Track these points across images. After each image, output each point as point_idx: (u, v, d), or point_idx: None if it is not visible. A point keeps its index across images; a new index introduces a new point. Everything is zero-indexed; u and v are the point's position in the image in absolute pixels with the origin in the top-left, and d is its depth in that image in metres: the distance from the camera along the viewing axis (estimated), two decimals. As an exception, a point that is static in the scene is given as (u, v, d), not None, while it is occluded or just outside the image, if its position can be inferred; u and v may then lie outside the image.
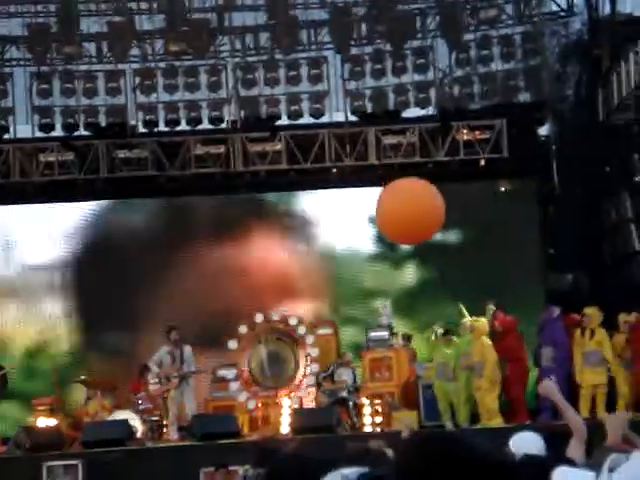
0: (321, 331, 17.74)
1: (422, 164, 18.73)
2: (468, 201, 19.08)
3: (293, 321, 17.16)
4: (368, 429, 16.01)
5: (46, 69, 18.73)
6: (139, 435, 15.91)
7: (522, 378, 16.22)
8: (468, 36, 18.84)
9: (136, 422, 15.98)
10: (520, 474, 2.07)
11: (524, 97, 18.79)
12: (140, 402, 16.31)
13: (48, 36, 18.59)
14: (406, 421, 14.88)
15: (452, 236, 18.88)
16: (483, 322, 16.12)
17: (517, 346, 16.29)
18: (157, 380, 16.26)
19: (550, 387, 6.09)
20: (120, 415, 16.20)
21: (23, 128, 18.67)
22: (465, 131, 18.77)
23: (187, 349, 16.41)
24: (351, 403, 16.38)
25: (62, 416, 16.72)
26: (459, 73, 18.93)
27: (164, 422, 16.10)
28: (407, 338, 17.83)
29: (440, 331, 16.55)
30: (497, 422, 15.55)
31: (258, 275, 19.04)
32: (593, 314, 15.72)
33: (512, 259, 18.85)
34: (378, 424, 16.22)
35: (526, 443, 5.88)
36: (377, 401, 16.47)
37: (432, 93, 18.88)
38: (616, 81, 17.19)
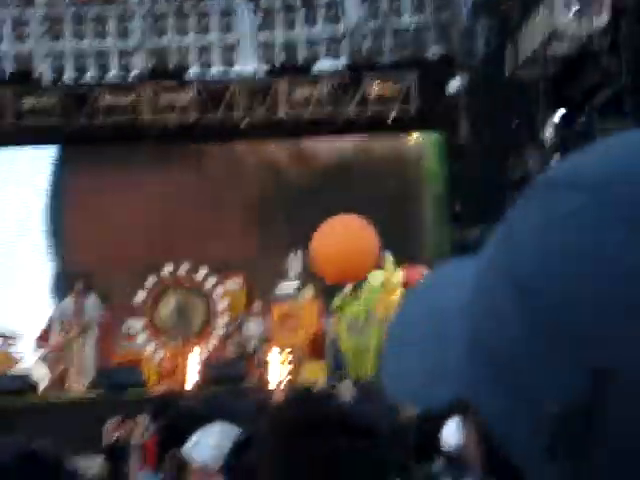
0: (231, 282, 17.69)
1: (332, 117, 18.67)
2: (377, 155, 19.12)
3: (202, 272, 17.08)
4: (275, 382, 16.03)
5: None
6: (43, 387, 15.74)
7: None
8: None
9: (40, 373, 15.79)
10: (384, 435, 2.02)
11: (434, 51, 18.79)
12: (43, 352, 16.12)
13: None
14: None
15: (362, 189, 18.88)
16: (395, 272, 16.14)
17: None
18: (60, 330, 16.08)
19: None
20: (24, 366, 16.01)
21: None
22: (375, 85, 18.73)
23: (91, 299, 16.24)
24: (259, 355, 16.38)
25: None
26: (370, 26, 18.86)
27: (68, 373, 15.94)
28: (316, 290, 17.84)
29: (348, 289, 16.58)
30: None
31: (166, 226, 18.87)
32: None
33: (419, 213, 18.95)
34: (286, 376, 16.24)
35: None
36: (284, 353, 16.49)
37: (343, 46, 18.79)
38: (524, 37, 17.27)
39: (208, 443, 3.65)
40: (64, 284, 17.42)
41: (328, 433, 1.92)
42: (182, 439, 4.81)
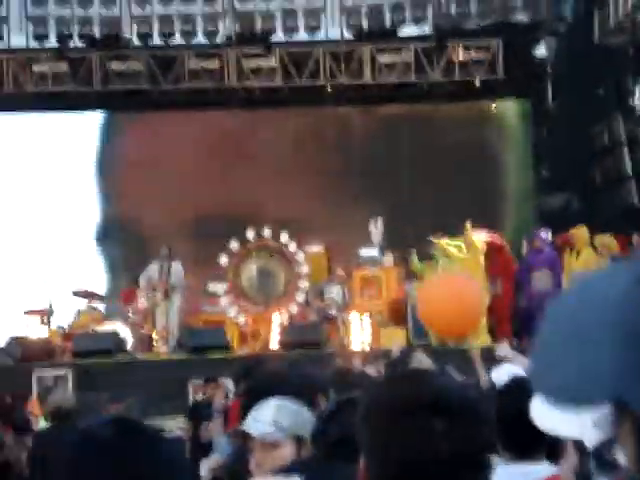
0: (312, 248, 17.70)
1: (417, 84, 18.53)
2: (463, 121, 18.95)
3: (284, 237, 17.12)
4: (356, 346, 16.04)
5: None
6: (128, 347, 15.96)
7: (513, 296, 16.22)
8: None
9: (126, 334, 16.02)
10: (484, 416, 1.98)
11: (521, 16, 18.52)
12: (130, 314, 16.34)
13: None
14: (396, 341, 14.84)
15: (447, 156, 18.75)
16: (478, 243, 16.06)
17: (509, 264, 16.26)
18: (146, 293, 16.27)
19: (505, 350, 6.19)
20: (110, 326, 16.23)
21: (17, 38, 18.40)
22: (461, 51, 18.53)
23: (176, 263, 16.40)
24: (340, 320, 16.40)
25: (53, 327, 16.73)
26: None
27: (153, 334, 16.13)
28: (398, 256, 17.80)
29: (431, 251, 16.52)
30: (484, 340, 15.56)
31: (248, 190, 18.95)
32: (580, 234, 15.51)
33: (504, 180, 18.78)
34: (366, 341, 16.25)
35: (508, 373, 5.86)
36: (365, 318, 16.48)
37: (429, 11, 18.60)
38: (612, 2, 16.93)
39: (266, 418, 3.65)
40: (148, 248, 17.59)
41: (425, 413, 1.89)
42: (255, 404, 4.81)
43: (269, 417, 3.60)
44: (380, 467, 1.91)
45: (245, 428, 3.67)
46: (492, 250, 16.23)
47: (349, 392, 4.02)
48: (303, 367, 6.01)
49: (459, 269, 15.79)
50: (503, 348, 6.43)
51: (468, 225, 16.24)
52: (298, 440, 3.60)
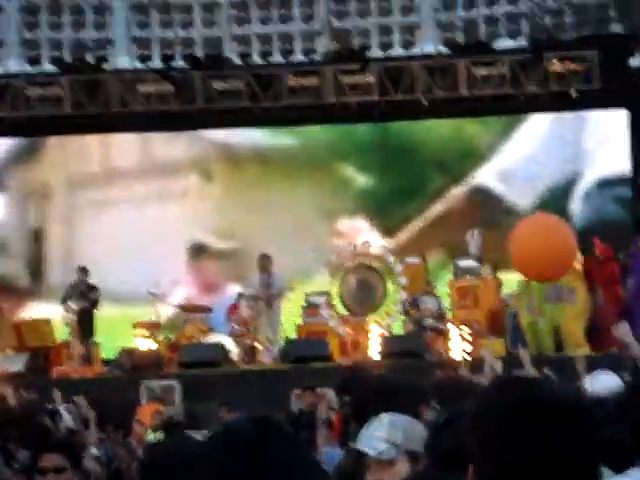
0: (410, 260, 17.63)
1: (513, 96, 18.37)
2: (559, 132, 18.72)
3: (382, 250, 17.08)
4: (455, 356, 15.91)
5: (144, 0, 18.71)
6: (233, 357, 16.06)
7: (618, 306, 15.96)
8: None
9: (230, 345, 16.12)
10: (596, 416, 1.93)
11: (616, 28, 18.23)
12: (234, 325, 16.44)
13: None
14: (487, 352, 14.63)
15: (544, 168, 18.54)
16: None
17: (616, 274, 16.05)
18: (248, 304, 16.36)
19: (624, 330, 6.00)
20: (215, 338, 16.36)
21: (122, 59, 18.70)
22: (556, 62, 18.30)
23: (277, 274, 16.48)
24: (438, 330, 16.29)
25: (161, 338, 16.92)
26: (551, 4, 18.42)
27: (256, 345, 16.20)
28: (495, 268, 17.62)
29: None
30: (584, 350, 15.32)
31: (350, 203, 18.96)
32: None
33: (601, 188, 18.50)
34: (465, 351, 16.11)
35: (603, 383, 5.73)
36: (464, 328, 16.34)
37: (523, 24, 18.42)
38: None
39: (379, 434, 3.59)
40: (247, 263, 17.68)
41: (542, 418, 1.85)
42: (366, 416, 4.76)
43: (383, 435, 3.55)
44: (491, 472, 1.87)
45: (359, 447, 3.61)
46: (601, 260, 16.04)
47: (454, 402, 3.97)
48: (405, 377, 5.95)
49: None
50: (623, 328, 6.23)
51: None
52: (412, 455, 3.55)
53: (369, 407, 4.40)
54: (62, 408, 10.42)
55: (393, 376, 4.98)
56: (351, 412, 4.85)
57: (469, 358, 15.42)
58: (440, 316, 16.52)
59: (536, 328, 15.74)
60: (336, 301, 17.06)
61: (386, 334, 16.51)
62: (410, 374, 7.23)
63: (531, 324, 15.79)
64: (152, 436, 10.55)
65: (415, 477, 3.44)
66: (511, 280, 17.62)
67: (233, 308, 16.95)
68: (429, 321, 16.40)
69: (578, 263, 15.84)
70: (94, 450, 8.77)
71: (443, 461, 3.25)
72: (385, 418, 3.62)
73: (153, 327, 16.68)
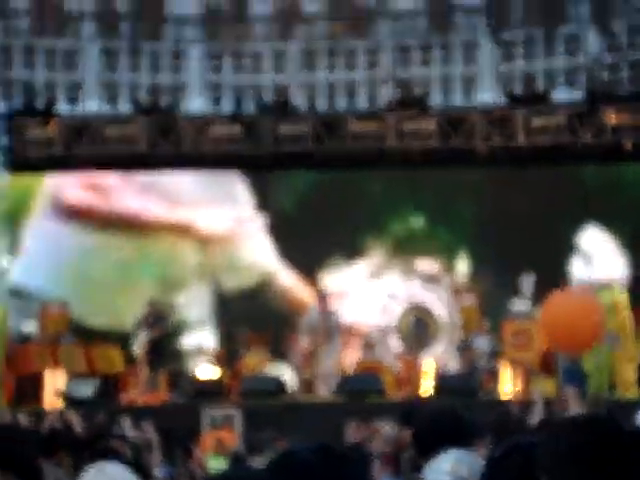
0: (464, 300, 17.58)
1: (569, 145, 18.31)
2: (615, 183, 18.60)
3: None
4: (507, 396, 15.79)
5: (218, 48, 18.99)
6: (292, 389, 16.09)
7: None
8: (619, 22, 18.25)
9: (289, 376, 16.16)
10: None
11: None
12: (294, 357, 16.48)
13: (220, 16, 18.83)
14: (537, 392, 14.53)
15: (599, 218, 18.43)
16: (621, 295, 15.76)
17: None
18: (307, 337, 16.40)
19: None
20: (276, 369, 16.41)
21: (195, 102, 18.96)
22: (613, 115, 18.22)
23: (336, 309, 16.52)
24: (491, 370, 16.20)
25: (224, 367, 17.01)
26: (609, 59, 18.37)
27: (314, 378, 16.22)
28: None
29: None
30: (633, 393, 15.15)
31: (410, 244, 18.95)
32: None
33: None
34: (517, 391, 15.99)
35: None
36: (517, 369, 16.23)
37: (581, 77, 18.38)
38: None
39: (444, 469, 3.59)
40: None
41: (624, 456, 1.86)
42: (425, 448, 4.77)
43: (448, 469, 3.56)
44: None
45: (425, 478, 3.63)
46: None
47: (507, 438, 3.97)
48: (462, 413, 5.95)
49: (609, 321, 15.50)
50: None
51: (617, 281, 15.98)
52: None
53: (431, 441, 4.40)
54: (129, 432, 10.53)
55: (454, 410, 4.97)
56: (414, 443, 4.85)
57: (519, 398, 15.30)
58: (493, 355, 16.43)
59: (597, 368, 15.59)
60: (393, 338, 17.04)
61: (440, 371, 16.45)
62: (463, 411, 7.20)
63: (593, 364, 15.64)
64: (213, 462, 10.61)
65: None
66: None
67: (291, 340, 17.01)
68: (482, 361, 16.32)
69: (625, 308, 15.77)
70: (158, 472, 8.86)
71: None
72: (451, 453, 3.63)
73: (215, 355, 16.78)
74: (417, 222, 19.21)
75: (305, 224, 18.93)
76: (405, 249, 19.08)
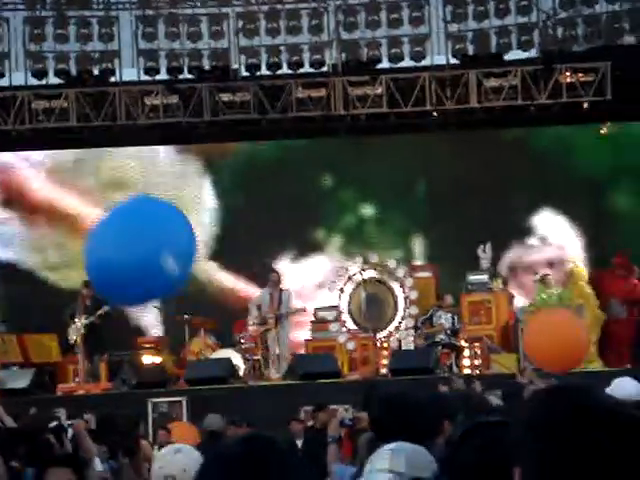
0: (420, 274, 17.55)
1: (524, 107, 18.29)
2: (571, 144, 18.63)
3: (392, 264, 17.00)
4: (467, 372, 15.80)
5: (151, 12, 18.69)
6: (241, 374, 15.97)
7: (634, 324, 15.96)
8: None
9: (238, 361, 16.03)
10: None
11: (629, 39, 18.15)
12: (242, 341, 16.36)
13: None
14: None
15: (554, 180, 18.45)
16: (581, 267, 15.93)
17: (636, 287, 16.09)
18: (256, 321, 16.29)
19: None
20: (223, 354, 16.28)
21: (129, 71, 18.67)
22: (568, 74, 18.23)
23: (286, 291, 16.42)
24: (450, 346, 16.20)
25: (167, 354, 16.85)
26: (562, 15, 18.35)
27: (264, 361, 16.12)
28: (506, 282, 17.57)
29: (537, 276, 16.42)
30: (595, 365, 15.26)
31: (357, 217, 18.86)
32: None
33: (617, 202, 18.43)
34: (477, 367, 16.00)
35: (624, 389, 5.65)
36: (476, 344, 16.24)
37: (535, 35, 18.35)
38: None
39: (380, 467, 3.49)
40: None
41: (593, 430, 1.79)
42: (384, 431, 4.65)
43: (385, 465, 3.46)
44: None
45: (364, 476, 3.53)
46: (621, 273, 16.07)
47: (476, 416, 3.87)
48: (426, 394, 5.86)
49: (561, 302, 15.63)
50: None
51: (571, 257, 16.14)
52: None
53: (393, 421, 4.33)
54: (67, 424, 10.33)
55: (414, 391, 4.87)
56: (373, 427, 4.76)
57: (478, 374, 15.31)
58: (453, 332, 16.43)
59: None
60: (345, 316, 16.97)
61: (396, 350, 16.42)
62: (421, 390, 7.14)
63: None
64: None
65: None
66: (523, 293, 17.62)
67: (240, 324, 16.88)
68: (441, 337, 16.31)
69: (582, 279, 15.90)
70: (99, 465, 8.68)
71: (463, 475, 3.15)
72: (386, 448, 3.54)
73: (158, 342, 16.62)
74: (368, 210, 19.07)
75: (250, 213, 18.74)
76: (358, 239, 18.90)
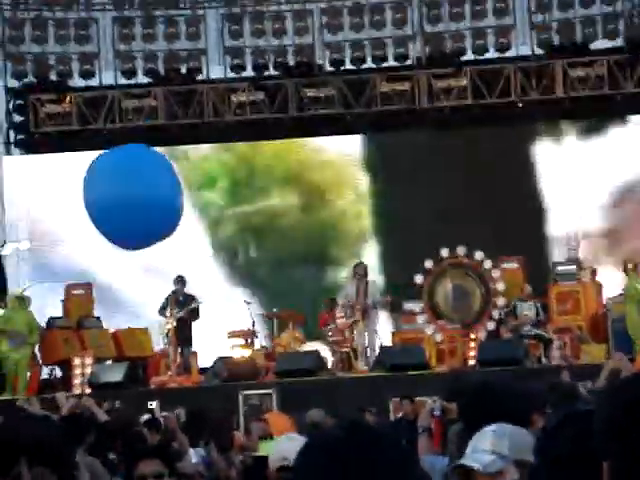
0: (507, 265, 17.40)
1: (611, 96, 18.03)
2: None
3: (479, 255, 16.89)
4: (556, 363, 15.64)
5: (237, 10, 18.84)
6: (329, 366, 16.02)
7: None
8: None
9: (326, 353, 16.09)
10: None
11: None
12: (330, 334, 16.40)
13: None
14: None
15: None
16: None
17: None
18: (344, 313, 16.31)
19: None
20: (311, 347, 16.34)
21: (216, 69, 18.85)
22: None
23: (372, 282, 16.42)
24: (537, 337, 16.04)
25: (256, 348, 16.94)
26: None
27: (353, 353, 16.14)
28: (594, 272, 17.33)
29: (630, 265, 16.13)
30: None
31: (442, 209, 18.78)
32: None
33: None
34: (567, 358, 15.82)
35: None
36: (565, 335, 16.06)
37: (620, 24, 18.08)
38: None
39: (483, 447, 3.47)
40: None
41: None
42: (474, 422, 4.64)
43: (488, 446, 3.43)
44: (629, 467, 1.79)
45: (465, 462, 3.50)
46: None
47: (565, 407, 3.85)
48: (508, 384, 5.83)
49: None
50: None
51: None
52: (521, 465, 3.43)
53: (482, 412, 4.31)
54: (161, 417, 10.48)
55: (501, 382, 4.84)
56: (462, 417, 4.74)
57: (568, 365, 15.14)
58: (539, 322, 16.26)
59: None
60: (433, 307, 16.91)
61: (484, 341, 16.31)
62: (510, 381, 7.12)
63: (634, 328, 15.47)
64: (264, 447, 10.53)
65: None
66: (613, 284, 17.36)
67: (326, 317, 16.91)
68: (527, 328, 16.16)
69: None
70: (193, 457, 8.80)
71: (555, 466, 3.14)
72: (489, 429, 3.51)
73: (247, 335, 16.73)
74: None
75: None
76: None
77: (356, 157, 19.27)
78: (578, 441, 2.84)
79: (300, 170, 19.34)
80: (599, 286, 17.17)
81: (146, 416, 9.75)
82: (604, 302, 16.71)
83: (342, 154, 19.22)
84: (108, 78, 18.85)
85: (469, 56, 18.55)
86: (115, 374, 15.72)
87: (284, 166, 19.36)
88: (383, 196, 19.01)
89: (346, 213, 19.29)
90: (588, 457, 2.63)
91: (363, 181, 19.21)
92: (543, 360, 15.72)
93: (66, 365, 16.43)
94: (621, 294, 16.20)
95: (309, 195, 19.31)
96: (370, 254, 18.77)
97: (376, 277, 17.00)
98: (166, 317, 16.24)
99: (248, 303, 17.10)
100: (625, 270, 16.24)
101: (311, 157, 19.40)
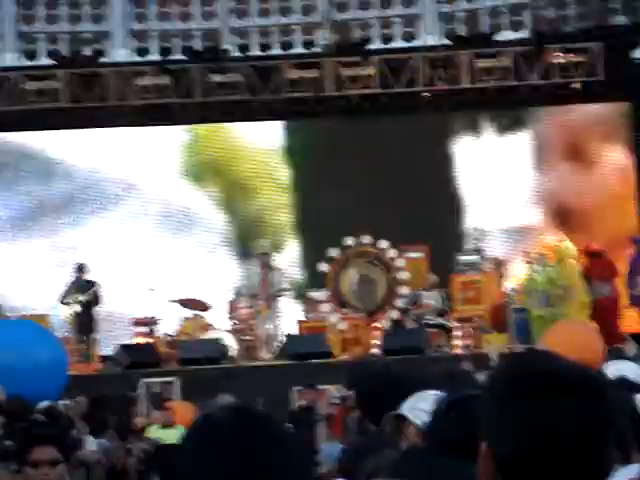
0: (412, 254, 17.60)
1: (516, 88, 18.33)
2: (562, 124, 18.67)
3: (384, 244, 17.06)
4: (457, 352, 15.90)
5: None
6: (233, 354, 16.05)
7: (618, 301, 16.00)
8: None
9: (230, 341, 16.12)
10: (611, 396, 1.90)
11: (620, 20, 18.19)
12: (233, 322, 16.43)
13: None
14: (492, 349, 14.69)
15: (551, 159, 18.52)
16: (568, 245, 15.96)
17: (614, 268, 16.12)
18: (247, 302, 16.35)
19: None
20: (215, 334, 16.35)
21: (120, 52, 18.67)
22: (560, 54, 18.27)
23: (277, 271, 16.49)
24: (439, 326, 16.28)
25: (159, 334, 16.89)
26: (554, -5, 18.38)
27: (256, 342, 16.20)
28: (497, 262, 17.62)
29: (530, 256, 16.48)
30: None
31: (347, 199, 18.89)
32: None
33: (603, 182, 18.47)
34: (467, 347, 16.10)
35: (622, 370, 5.72)
36: (466, 324, 16.33)
37: (526, 16, 18.38)
38: None
39: (423, 407, 3.71)
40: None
41: (553, 393, 1.82)
42: (371, 409, 4.74)
43: (428, 408, 3.64)
44: (507, 448, 1.84)
45: (408, 415, 3.73)
46: (598, 254, 16.10)
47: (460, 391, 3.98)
48: (410, 371, 5.95)
49: (557, 279, 15.68)
50: None
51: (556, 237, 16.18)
52: None
53: (379, 399, 4.42)
54: (60, 404, 10.41)
55: (398, 370, 4.97)
56: (360, 405, 4.85)
57: (470, 354, 15.41)
58: (442, 311, 16.51)
59: (544, 322, 15.74)
60: (337, 296, 17.04)
61: (387, 330, 16.50)
62: (411, 369, 7.25)
63: (539, 318, 15.78)
64: (161, 434, 10.52)
65: (415, 459, 3.41)
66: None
67: (233, 305, 16.94)
68: (430, 317, 16.39)
69: (571, 256, 16.00)
70: (91, 444, 8.78)
71: (444, 447, 3.24)
72: (429, 393, 3.74)
73: (150, 323, 16.67)
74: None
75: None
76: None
77: (274, 146, 19.28)
78: (461, 424, 2.95)
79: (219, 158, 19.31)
80: (501, 276, 17.47)
81: (45, 403, 9.68)
82: (506, 292, 17.00)
83: (255, 143, 19.25)
84: (10, 60, 18.54)
85: (377, 45, 18.67)
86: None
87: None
88: (300, 186, 19.06)
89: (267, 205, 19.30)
90: (471, 440, 2.73)
91: (281, 171, 19.21)
92: (445, 349, 15.97)
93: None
94: (520, 284, 16.53)
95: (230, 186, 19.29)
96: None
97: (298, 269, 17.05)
98: (67, 304, 16.11)
99: (152, 290, 17.02)
100: (528, 262, 16.57)
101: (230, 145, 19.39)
